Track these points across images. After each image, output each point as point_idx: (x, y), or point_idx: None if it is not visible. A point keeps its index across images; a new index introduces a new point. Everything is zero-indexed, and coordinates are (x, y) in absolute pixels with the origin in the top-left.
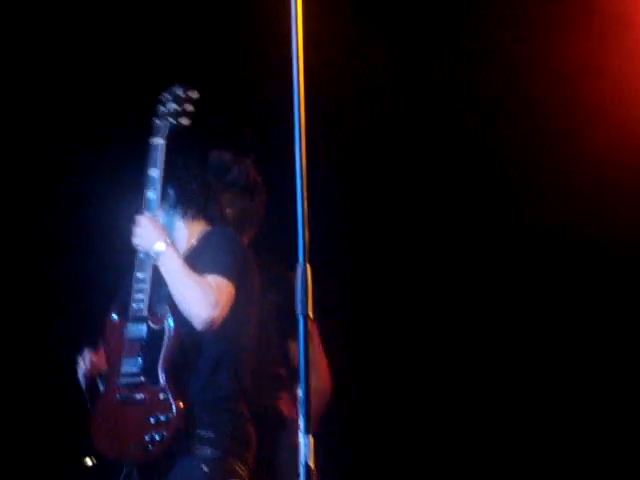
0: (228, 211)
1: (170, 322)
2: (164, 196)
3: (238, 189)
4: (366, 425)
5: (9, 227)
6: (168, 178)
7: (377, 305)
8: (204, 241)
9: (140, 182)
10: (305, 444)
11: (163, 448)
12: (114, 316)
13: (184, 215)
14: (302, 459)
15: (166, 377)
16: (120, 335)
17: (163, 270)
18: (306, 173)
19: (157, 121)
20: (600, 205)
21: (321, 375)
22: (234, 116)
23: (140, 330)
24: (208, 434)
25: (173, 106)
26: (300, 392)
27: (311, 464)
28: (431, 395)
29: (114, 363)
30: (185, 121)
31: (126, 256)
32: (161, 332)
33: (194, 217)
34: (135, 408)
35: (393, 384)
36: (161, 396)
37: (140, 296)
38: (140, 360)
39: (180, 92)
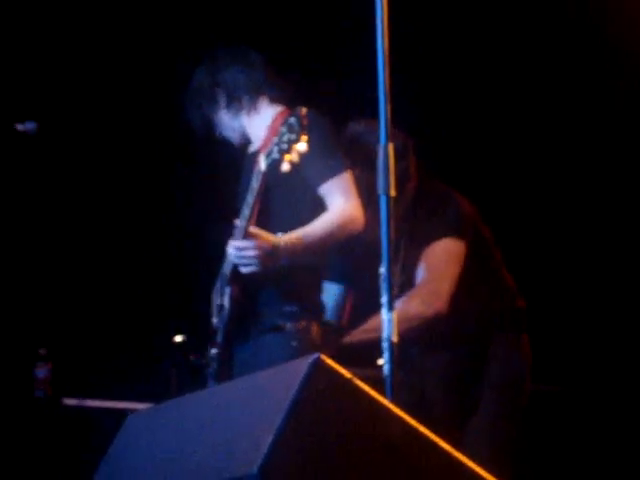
0: None
1: None
2: None
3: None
4: None
5: None
6: None
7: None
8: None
9: None
10: (388, 320)
11: None
12: None
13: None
14: (385, 334)
15: None
16: None
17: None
18: (388, 51)
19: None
20: None
21: (427, 296)
22: None
23: None
24: (292, 309)
25: (286, 144)
26: (383, 270)
27: (394, 339)
28: None
29: None
30: (286, 167)
31: None
32: None
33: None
34: None
35: None
36: None
37: None
38: None
39: (293, 135)
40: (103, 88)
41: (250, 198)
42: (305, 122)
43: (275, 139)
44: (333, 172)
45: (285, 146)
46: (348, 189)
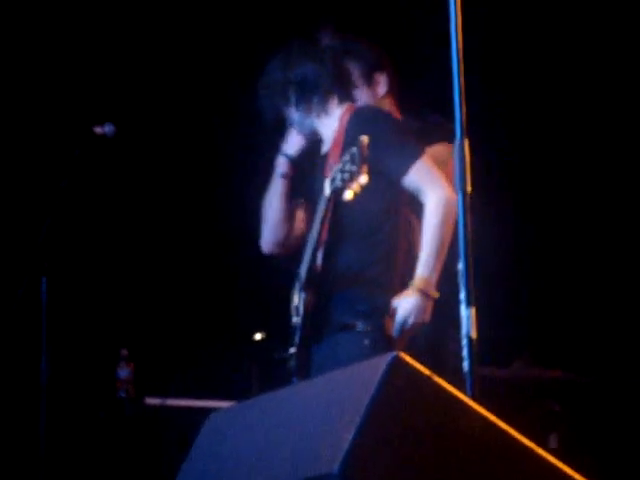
0: None
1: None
2: None
3: None
4: None
5: None
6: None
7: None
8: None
9: None
10: (467, 316)
11: None
12: None
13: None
14: (464, 330)
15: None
16: None
17: None
18: (462, 50)
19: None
20: None
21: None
22: None
23: None
24: (364, 308)
25: (348, 174)
26: (460, 265)
27: (473, 335)
28: None
29: None
30: (348, 196)
31: None
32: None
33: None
34: None
35: None
36: None
37: None
38: None
39: (355, 166)
40: (179, 89)
41: (318, 220)
42: (366, 153)
43: (338, 167)
44: (411, 160)
45: (347, 176)
46: (430, 172)
